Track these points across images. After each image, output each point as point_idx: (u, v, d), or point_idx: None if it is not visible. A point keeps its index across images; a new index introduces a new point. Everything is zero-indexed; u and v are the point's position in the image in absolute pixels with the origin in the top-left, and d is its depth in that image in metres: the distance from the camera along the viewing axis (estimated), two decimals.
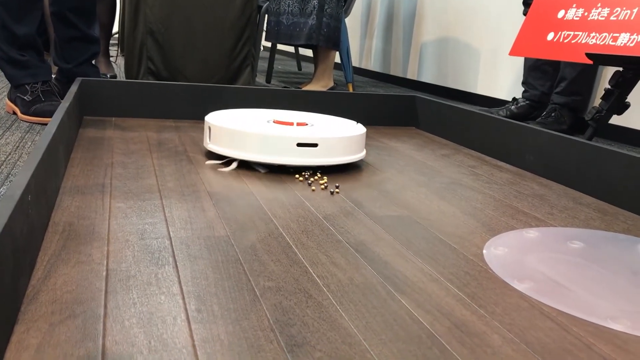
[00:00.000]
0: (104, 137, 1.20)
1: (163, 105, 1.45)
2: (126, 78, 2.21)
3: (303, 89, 1.90)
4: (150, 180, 0.91)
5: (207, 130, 1.07)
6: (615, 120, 2.08)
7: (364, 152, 1.13)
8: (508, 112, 2.35)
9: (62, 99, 1.75)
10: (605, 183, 1.04)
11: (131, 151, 1.10)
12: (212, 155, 1.11)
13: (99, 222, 0.72)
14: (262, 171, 1.01)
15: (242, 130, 1.00)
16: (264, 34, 2.88)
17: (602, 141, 2.09)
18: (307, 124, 1.12)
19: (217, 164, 1.03)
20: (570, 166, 1.12)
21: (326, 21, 2.61)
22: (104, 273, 0.58)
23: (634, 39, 1.37)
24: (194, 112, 1.48)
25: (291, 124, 1.10)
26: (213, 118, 1.09)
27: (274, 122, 1.10)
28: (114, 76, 2.69)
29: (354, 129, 1.11)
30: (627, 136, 2.10)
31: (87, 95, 1.40)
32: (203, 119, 1.49)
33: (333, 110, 1.58)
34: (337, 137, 1.03)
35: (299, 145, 1.00)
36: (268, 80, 3.15)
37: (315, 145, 1.01)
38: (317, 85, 2.73)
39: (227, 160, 1.05)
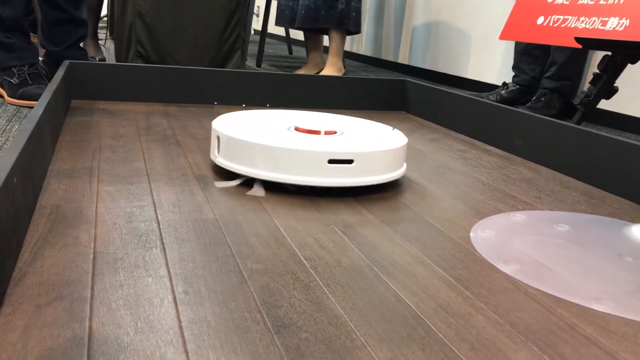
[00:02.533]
0: (92, 120, 1.20)
1: (152, 88, 1.44)
2: (116, 61, 2.19)
3: (319, 73, 1.88)
4: (138, 164, 0.91)
5: (215, 140, 0.87)
6: (604, 105, 2.09)
7: (405, 166, 0.93)
8: (498, 97, 2.35)
9: (50, 82, 1.73)
10: (592, 167, 1.05)
11: (119, 135, 1.09)
12: (220, 170, 0.91)
13: (87, 205, 0.72)
14: (291, 187, 0.84)
15: (261, 143, 0.81)
16: (273, 18, 2.86)
17: (591, 126, 2.10)
18: (335, 132, 0.92)
19: (231, 185, 0.84)
20: (559, 150, 1.12)
21: (355, 5, 2.61)
22: (91, 255, 0.58)
23: (623, 23, 1.37)
24: (183, 95, 1.47)
25: (317, 132, 0.90)
26: (222, 125, 0.90)
27: (295, 129, 0.91)
28: (103, 59, 2.66)
29: (393, 138, 0.92)
30: (616, 121, 2.11)
31: (75, 78, 1.39)
32: (192, 102, 1.48)
33: (326, 96, 1.58)
34: (377, 150, 0.83)
35: (330, 162, 0.80)
36: (259, 64, 3.13)
37: (350, 162, 0.81)
38: (333, 70, 2.72)
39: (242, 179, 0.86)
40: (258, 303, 0.52)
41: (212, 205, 0.76)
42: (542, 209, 0.87)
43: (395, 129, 0.98)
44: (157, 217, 0.70)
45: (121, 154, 0.96)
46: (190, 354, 0.43)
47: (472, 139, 1.36)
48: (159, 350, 0.44)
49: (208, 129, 1.20)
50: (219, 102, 1.49)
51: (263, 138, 0.83)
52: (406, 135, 1.34)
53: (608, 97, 1.51)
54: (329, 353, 0.45)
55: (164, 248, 0.62)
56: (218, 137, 0.86)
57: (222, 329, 0.47)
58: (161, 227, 0.67)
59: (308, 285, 0.56)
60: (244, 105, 1.50)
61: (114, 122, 1.19)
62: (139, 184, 0.81)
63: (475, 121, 1.37)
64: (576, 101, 1.55)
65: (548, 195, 0.95)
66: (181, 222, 0.69)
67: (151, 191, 0.79)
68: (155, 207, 0.73)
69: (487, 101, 1.35)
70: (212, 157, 0.89)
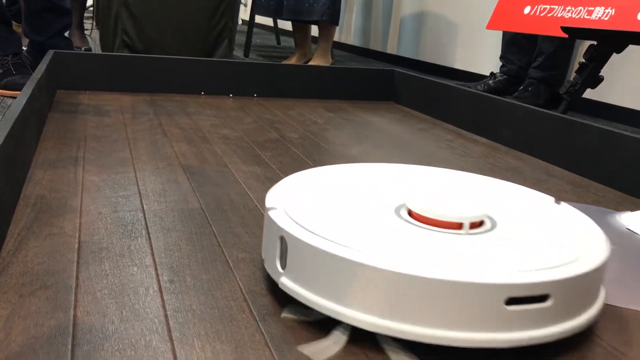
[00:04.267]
0: (78, 110, 1.19)
1: (138, 78, 1.43)
2: (101, 51, 2.17)
3: (309, 63, 1.87)
4: (124, 154, 0.91)
5: (278, 243, 0.50)
6: (590, 94, 2.10)
7: (604, 291, 0.53)
8: (486, 87, 2.36)
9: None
10: (578, 156, 1.06)
11: (105, 125, 1.08)
12: (284, 297, 0.52)
13: (72, 195, 0.71)
14: None
15: (376, 267, 0.44)
16: (249, 8, 2.84)
17: (577, 116, 2.12)
18: (483, 223, 0.54)
19: (330, 354, 0.44)
20: (545, 140, 1.13)
21: None
22: (76, 245, 0.58)
23: (608, 12, 1.38)
24: (170, 85, 1.46)
25: (457, 226, 0.52)
26: (289, 211, 0.52)
27: (410, 214, 0.54)
28: (89, 49, 2.64)
29: (576, 227, 0.56)
30: (602, 110, 2.13)
31: (60, 68, 1.37)
32: (179, 92, 1.47)
33: (314, 86, 1.57)
34: (580, 271, 0.46)
35: (510, 302, 0.44)
36: (246, 54, 3.12)
37: (544, 298, 0.45)
38: (321, 60, 2.72)
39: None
40: (244, 291, 0.52)
41: (198, 194, 0.75)
42: None
43: (560, 202, 0.62)
44: (142, 206, 0.70)
45: (107, 144, 0.95)
46: (175, 342, 0.43)
47: (460, 129, 1.37)
48: (144, 338, 0.44)
49: (195, 120, 1.19)
50: (206, 92, 1.48)
51: (376, 246, 0.47)
52: (394, 125, 1.34)
53: (594, 87, 1.52)
54: (313, 333, 0.45)
55: (150, 237, 0.61)
56: (283, 239, 0.49)
57: (207, 318, 0.47)
58: (147, 216, 0.67)
59: None
60: (231, 96, 1.50)
61: (99, 113, 1.18)
62: (125, 174, 0.81)
63: (463, 111, 1.37)
64: (562, 90, 1.56)
65: (533, 184, 0.96)
66: (167, 212, 0.69)
67: (137, 181, 0.79)
68: (140, 196, 0.73)
69: (474, 91, 1.36)
70: (268, 268, 0.52)
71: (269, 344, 0.44)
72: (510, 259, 0.47)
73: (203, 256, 0.58)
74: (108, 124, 1.09)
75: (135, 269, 0.54)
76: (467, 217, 0.52)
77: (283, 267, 0.49)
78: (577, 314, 0.47)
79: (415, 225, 0.52)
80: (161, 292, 0.50)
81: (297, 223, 0.49)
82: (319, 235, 0.47)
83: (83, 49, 2.59)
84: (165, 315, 0.47)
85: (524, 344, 0.44)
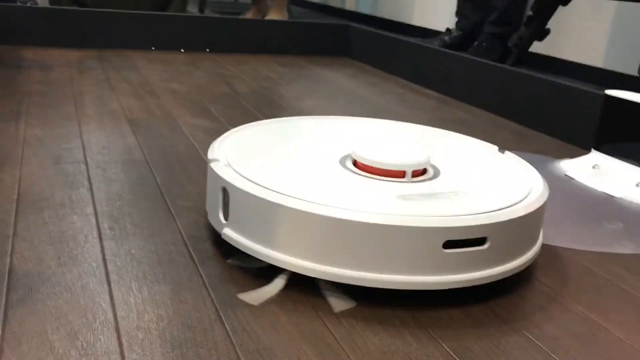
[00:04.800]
0: (22, 65, 1.15)
1: (87, 33, 1.40)
2: (49, 5, 2.09)
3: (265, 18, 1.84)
4: (69, 108, 0.89)
5: (220, 194, 0.50)
6: (541, 49, 2.13)
7: (541, 234, 0.55)
8: (442, 43, 2.37)
9: None
10: (523, 108, 1.08)
11: (50, 80, 1.06)
12: (228, 248, 0.51)
13: (13, 147, 0.70)
14: (354, 304, 0.45)
15: (316, 213, 0.45)
16: None
17: (527, 70, 2.15)
18: (426, 171, 0.55)
19: (268, 296, 0.45)
20: (493, 92, 1.15)
21: None
22: (15, 196, 0.58)
23: None
24: (119, 40, 1.42)
25: (400, 174, 0.53)
26: (231, 161, 0.52)
27: (355, 164, 0.55)
28: (35, 3, 2.54)
29: (519, 175, 0.57)
30: (552, 65, 2.17)
31: (3, 22, 1.33)
32: (129, 48, 1.44)
33: (270, 41, 1.56)
34: (517, 213, 0.48)
35: (447, 245, 0.45)
36: (201, 10, 3.05)
37: (482, 241, 0.46)
38: (277, 16, 2.66)
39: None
40: (185, 237, 0.53)
41: (143, 147, 0.75)
42: None
43: (505, 151, 0.64)
44: (85, 158, 0.69)
45: (52, 99, 0.93)
46: (112, 285, 0.44)
47: (412, 83, 1.38)
48: (81, 281, 0.44)
49: (144, 74, 1.17)
50: (157, 47, 1.45)
51: (319, 195, 0.47)
52: (347, 79, 1.35)
53: (540, 39, 1.54)
54: (253, 279, 0.47)
55: (92, 188, 0.61)
56: (225, 191, 0.50)
57: (146, 261, 0.48)
58: (89, 168, 0.66)
59: None
60: (182, 50, 1.47)
61: (45, 68, 1.15)
62: (69, 128, 0.80)
63: (415, 65, 1.38)
64: (510, 43, 1.58)
65: (480, 135, 0.98)
66: (110, 163, 0.68)
67: (81, 134, 0.78)
68: (84, 149, 0.72)
69: (425, 45, 1.36)
70: (211, 219, 0.52)
71: (207, 285, 0.45)
72: (450, 205, 0.48)
73: (145, 205, 0.58)
74: (53, 79, 1.07)
75: (75, 217, 0.54)
76: (409, 166, 0.53)
77: (226, 218, 0.50)
78: (515, 256, 0.49)
79: (359, 174, 0.53)
80: (101, 239, 0.51)
81: (239, 174, 0.49)
82: (260, 185, 0.47)
83: (28, 3, 2.50)
84: (104, 260, 0.47)
85: (461, 285, 0.46)
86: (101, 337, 0.38)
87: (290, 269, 0.46)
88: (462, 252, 0.46)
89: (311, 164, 0.54)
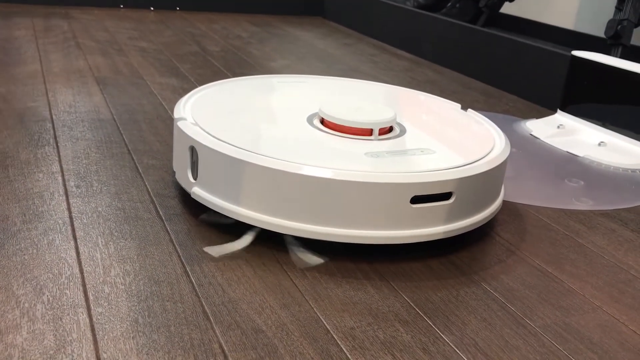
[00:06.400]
0: None
1: None
2: None
3: None
4: (34, 66, 0.87)
5: (189, 153, 0.50)
6: (512, 10, 2.13)
7: (503, 190, 0.57)
8: (416, 4, 2.35)
9: None
10: (493, 68, 1.09)
11: (14, 37, 1.03)
12: (195, 205, 0.52)
13: None
14: (321, 260, 0.46)
15: (284, 170, 0.45)
16: None
17: (498, 31, 2.15)
18: (392, 129, 0.56)
19: (234, 249, 0.46)
20: (463, 53, 1.16)
21: None
22: None
23: None
24: None
25: (366, 132, 0.53)
26: (197, 120, 0.52)
27: (322, 122, 0.55)
28: None
29: (482, 131, 0.58)
30: (524, 27, 2.17)
31: None
32: (96, 5, 1.40)
33: (244, 0, 1.53)
34: (481, 169, 0.49)
35: (415, 200, 0.46)
36: None
37: (448, 195, 0.48)
38: None
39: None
40: (152, 194, 0.53)
41: (110, 105, 0.74)
42: None
43: (468, 109, 0.64)
44: (51, 117, 0.68)
45: (15, 56, 0.91)
46: (79, 241, 0.44)
47: (384, 44, 1.38)
48: (47, 237, 0.44)
49: (112, 33, 1.15)
50: (125, 5, 1.42)
51: (287, 152, 0.47)
52: (320, 39, 1.34)
53: (511, 0, 1.55)
54: (220, 235, 0.47)
55: (58, 146, 0.61)
56: (193, 150, 0.49)
57: (113, 218, 0.48)
58: (55, 126, 0.66)
59: None
60: (152, 9, 1.44)
61: (8, 25, 1.12)
62: (34, 86, 0.78)
63: (387, 26, 1.38)
64: (481, 4, 1.58)
65: (449, 95, 0.99)
66: (76, 122, 0.68)
67: (46, 92, 0.76)
68: (50, 107, 0.71)
69: (399, 5, 1.36)
70: (179, 179, 0.52)
71: (174, 241, 0.46)
72: (416, 161, 0.49)
73: (112, 163, 0.58)
74: (18, 36, 1.04)
75: (41, 175, 0.54)
76: (376, 124, 0.53)
77: (195, 177, 0.49)
78: (478, 211, 0.50)
79: (327, 132, 0.53)
80: (67, 197, 0.51)
81: (207, 132, 0.49)
82: (228, 144, 0.47)
83: None
84: (70, 217, 0.48)
85: (428, 239, 0.47)
86: (67, 291, 0.39)
87: (259, 226, 0.46)
88: (429, 206, 0.47)
89: (279, 122, 0.54)
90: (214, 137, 0.49)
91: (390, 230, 0.46)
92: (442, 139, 0.55)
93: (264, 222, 0.46)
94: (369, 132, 0.53)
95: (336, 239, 0.46)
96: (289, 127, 0.53)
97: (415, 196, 0.46)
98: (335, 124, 0.54)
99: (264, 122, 0.54)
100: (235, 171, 0.46)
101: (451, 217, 0.48)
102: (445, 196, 0.47)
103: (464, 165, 0.49)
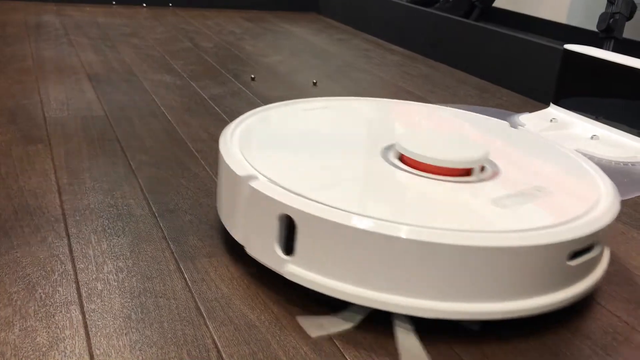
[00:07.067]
0: None
1: None
2: None
3: None
4: (26, 63, 0.87)
5: (277, 224, 0.39)
6: (506, 5, 2.13)
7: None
8: None
9: None
10: (487, 63, 1.09)
11: (6, 34, 1.03)
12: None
13: None
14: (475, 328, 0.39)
15: (431, 242, 0.36)
16: None
17: (492, 26, 2.16)
18: (484, 167, 0.47)
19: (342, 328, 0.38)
20: (457, 48, 1.16)
21: None
22: None
23: None
24: None
25: (465, 171, 0.45)
26: (257, 164, 0.43)
27: (403, 161, 0.46)
28: None
29: (584, 176, 0.49)
30: (519, 21, 2.18)
31: None
32: (88, 2, 1.40)
33: None
34: (611, 214, 0.42)
35: (573, 256, 0.39)
36: None
37: (589, 248, 0.41)
38: None
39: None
40: (145, 191, 0.53)
41: (103, 102, 0.74)
42: (433, 102, 0.91)
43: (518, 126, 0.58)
44: (44, 114, 0.68)
45: (7, 54, 0.91)
46: (71, 238, 0.44)
47: (378, 39, 1.37)
48: (40, 235, 0.44)
49: (104, 29, 1.15)
50: (118, 1, 1.42)
51: (397, 211, 0.38)
52: (314, 35, 1.33)
53: None
54: (213, 231, 0.47)
55: (50, 143, 0.61)
56: (290, 221, 0.39)
57: (105, 215, 0.48)
58: (47, 123, 0.66)
59: (197, 174, 0.58)
60: (144, 5, 1.44)
61: (0, 21, 1.11)
62: (26, 83, 0.78)
63: (382, 21, 1.38)
64: None
65: (442, 90, 0.99)
66: (69, 119, 0.68)
67: (39, 90, 0.76)
68: (42, 104, 0.71)
69: (394, 0, 1.36)
70: (253, 252, 0.41)
71: (167, 238, 0.46)
72: (536, 213, 0.40)
73: (105, 160, 0.58)
74: (10, 33, 1.04)
75: (33, 172, 0.54)
76: (474, 162, 0.43)
77: (288, 252, 0.39)
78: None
79: (417, 174, 0.43)
80: (60, 194, 0.51)
81: (301, 195, 0.38)
82: (332, 207, 0.37)
83: None
84: (63, 214, 0.47)
85: (584, 295, 0.41)
86: (60, 288, 0.39)
87: (391, 310, 0.36)
88: (584, 260, 0.39)
89: (355, 164, 0.44)
90: (311, 199, 0.38)
91: (545, 295, 0.38)
92: (539, 172, 0.46)
93: (398, 306, 0.36)
94: (466, 172, 0.44)
95: (488, 317, 0.37)
96: (372, 171, 0.43)
97: (573, 251, 0.38)
98: (427, 165, 0.44)
99: (343, 167, 0.43)
100: (359, 244, 0.36)
101: (594, 268, 0.41)
102: (589, 248, 0.40)
103: (589, 211, 0.41)
